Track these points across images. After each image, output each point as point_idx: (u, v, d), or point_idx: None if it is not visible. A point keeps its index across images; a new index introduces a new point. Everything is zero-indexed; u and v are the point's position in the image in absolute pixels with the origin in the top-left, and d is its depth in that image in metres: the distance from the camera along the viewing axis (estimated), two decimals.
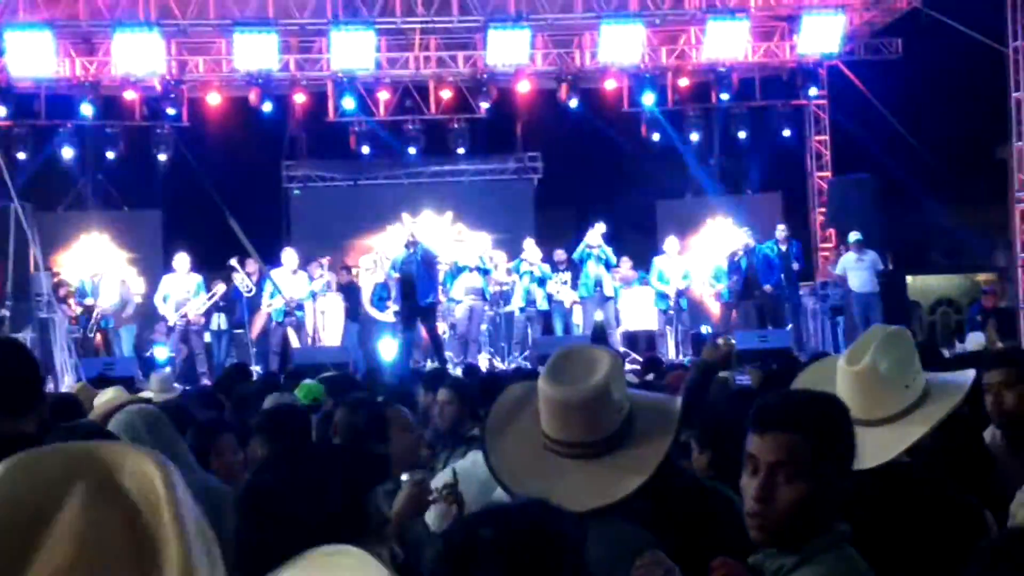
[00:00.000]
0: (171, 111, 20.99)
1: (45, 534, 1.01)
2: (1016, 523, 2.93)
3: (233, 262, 18.41)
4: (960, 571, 2.77)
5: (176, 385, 12.35)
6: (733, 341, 5.86)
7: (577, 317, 19.17)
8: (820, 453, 2.71)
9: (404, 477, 4.19)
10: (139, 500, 1.05)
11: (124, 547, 1.00)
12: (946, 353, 10.41)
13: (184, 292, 18.14)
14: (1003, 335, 17.93)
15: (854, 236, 18.89)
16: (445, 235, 21.70)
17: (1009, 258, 20.91)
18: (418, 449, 5.12)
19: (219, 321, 18.45)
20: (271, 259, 19.23)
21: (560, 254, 19.53)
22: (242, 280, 18.34)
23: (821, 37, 20.91)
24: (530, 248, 19.20)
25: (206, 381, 16.46)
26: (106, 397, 7.17)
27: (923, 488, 3.45)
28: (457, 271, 18.92)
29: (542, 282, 19.00)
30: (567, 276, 19.15)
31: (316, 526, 2.23)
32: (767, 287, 18.67)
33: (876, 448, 3.31)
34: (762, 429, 2.74)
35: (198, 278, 18.41)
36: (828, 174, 22.67)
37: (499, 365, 17.64)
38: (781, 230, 19.26)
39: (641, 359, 17.15)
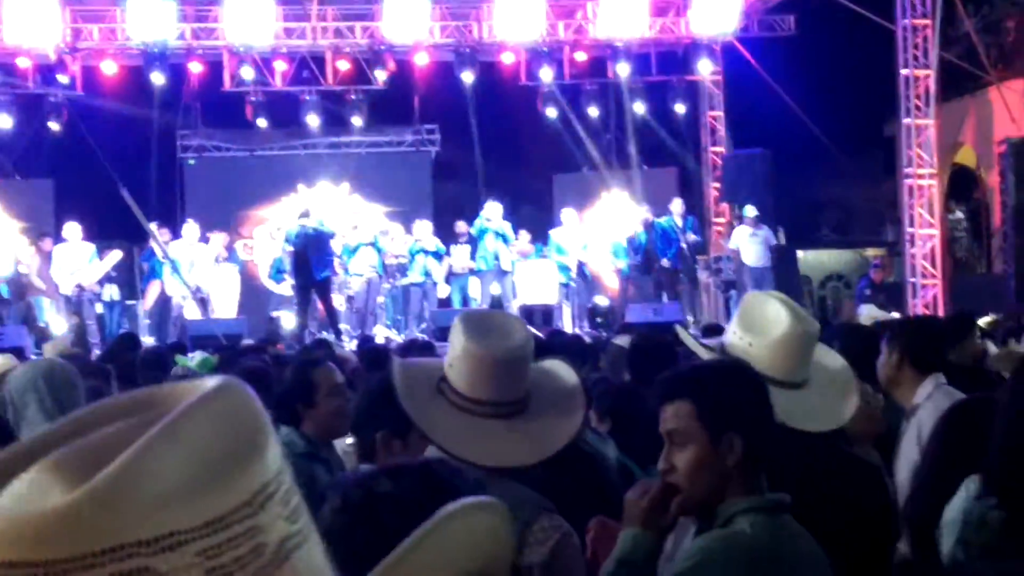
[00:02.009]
0: (65, 79, 20.61)
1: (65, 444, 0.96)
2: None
3: (152, 227, 18.20)
4: (861, 528, 2.87)
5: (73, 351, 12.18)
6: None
7: (474, 290, 19.22)
8: (708, 419, 2.80)
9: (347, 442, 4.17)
10: (162, 410, 0.96)
11: (107, 443, 0.93)
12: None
13: (77, 262, 17.86)
14: (891, 309, 18.33)
15: (750, 211, 19.15)
16: (341, 207, 21.59)
17: (897, 233, 21.40)
18: (344, 414, 5.03)
19: (112, 292, 18.22)
20: (170, 230, 19.04)
21: (461, 226, 19.55)
22: (159, 248, 18.13)
23: (716, 14, 21.13)
24: (422, 230, 19.20)
25: (97, 351, 16.25)
26: None
27: (823, 446, 3.54)
28: (353, 250, 18.83)
29: (438, 256, 19.02)
30: (467, 248, 19.17)
31: None
32: (664, 261, 18.86)
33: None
34: (659, 401, 2.85)
35: (91, 247, 18.13)
36: (722, 149, 22.95)
37: (396, 338, 17.63)
38: (678, 204, 19.45)
39: (540, 334, 17.28)
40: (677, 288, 19.10)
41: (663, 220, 19.14)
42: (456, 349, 3.05)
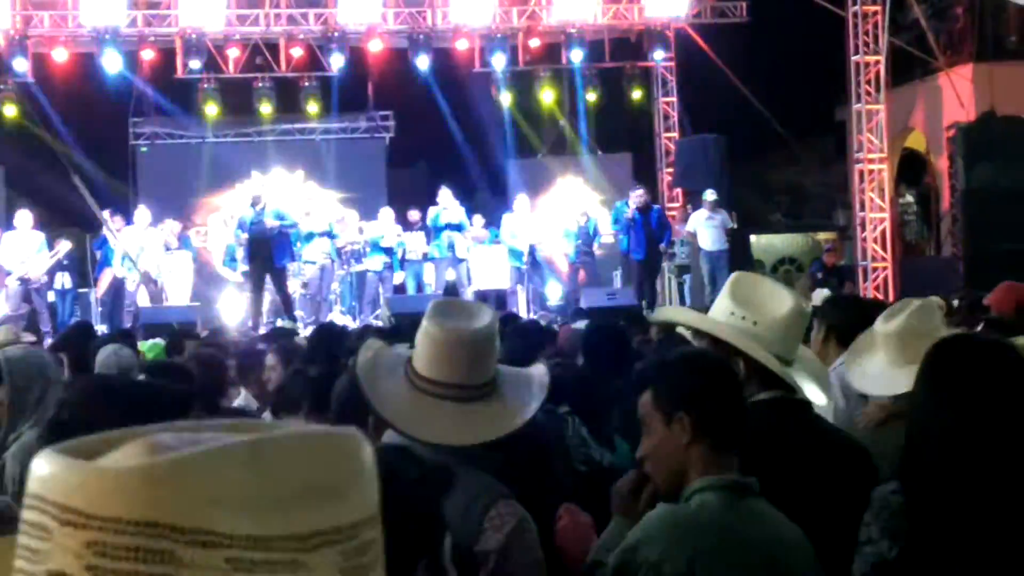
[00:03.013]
0: (16, 66, 20.41)
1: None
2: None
3: (105, 214, 18.09)
4: (848, 510, 2.93)
5: (26, 335, 12.11)
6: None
7: (428, 276, 19.24)
8: (662, 403, 2.89)
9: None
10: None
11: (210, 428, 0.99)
12: None
13: (26, 251, 17.71)
14: (842, 291, 18.50)
15: (710, 195, 19.24)
16: (296, 194, 21.55)
17: (848, 217, 21.60)
18: None
19: (63, 280, 18.11)
20: (122, 217, 18.92)
21: (414, 214, 19.56)
22: (112, 235, 18.02)
23: (669, 0, 21.25)
24: (385, 219, 19.22)
25: (49, 340, 16.15)
26: None
27: (817, 425, 3.60)
28: (308, 237, 18.80)
29: (390, 253, 19.04)
30: (420, 235, 19.18)
31: None
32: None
33: None
34: (638, 393, 2.98)
35: (41, 236, 18.00)
36: (676, 135, 23.05)
37: (352, 324, 17.62)
38: (632, 193, 19.46)
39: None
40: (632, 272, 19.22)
41: (620, 204, 19.23)
42: (420, 331, 3.09)
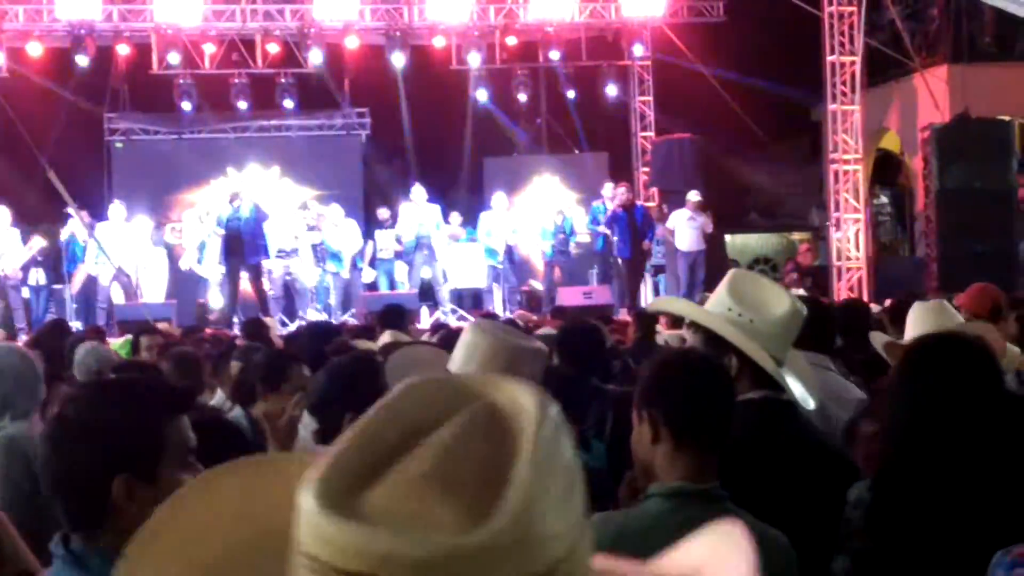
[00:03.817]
0: None
1: (416, 445, 1.00)
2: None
3: (70, 210, 17.98)
4: (825, 514, 2.94)
5: None
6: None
7: (400, 274, 19.21)
8: (637, 402, 2.91)
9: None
10: (509, 426, 1.02)
11: (479, 464, 0.98)
12: None
13: (2, 246, 17.58)
14: (817, 292, 18.57)
15: (694, 196, 19.29)
16: (272, 190, 21.48)
17: (823, 217, 21.66)
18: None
19: (38, 276, 18.01)
20: (92, 215, 18.82)
21: (383, 212, 19.56)
22: (80, 230, 17.91)
23: None
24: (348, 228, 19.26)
25: (24, 337, 16.07)
26: None
27: (803, 427, 3.61)
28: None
29: (337, 258, 19.03)
30: (391, 233, 19.15)
31: (114, 453, 2.32)
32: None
33: None
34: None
35: (16, 232, 17.88)
36: (652, 134, 23.09)
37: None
38: (608, 189, 19.47)
39: (471, 316, 17.37)
40: (608, 272, 19.27)
41: (597, 204, 19.27)
42: (469, 344, 3.09)
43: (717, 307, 3.62)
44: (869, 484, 2.97)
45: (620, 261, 18.84)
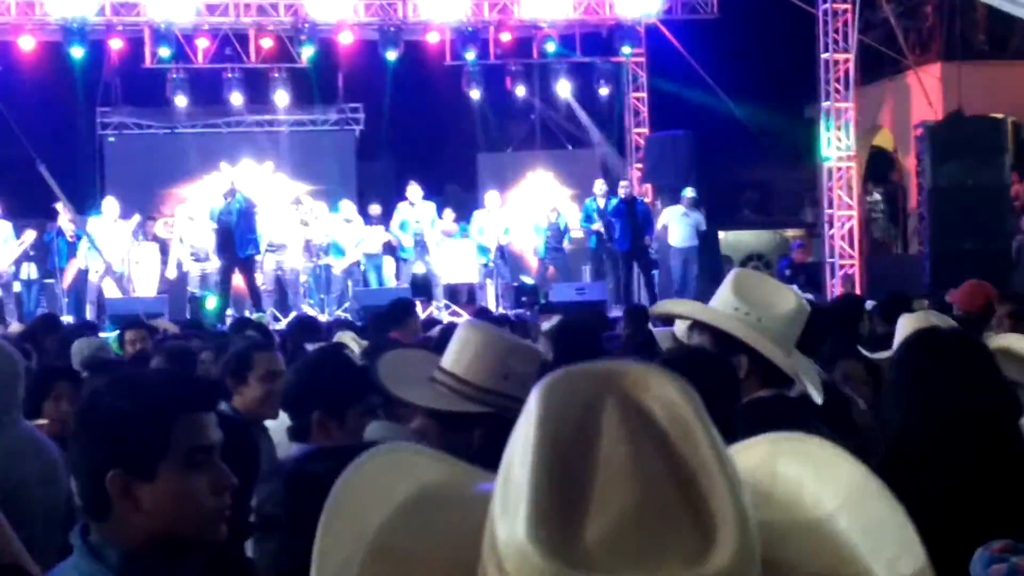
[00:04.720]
0: None
1: (590, 457, 1.00)
2: None
3: (58, 206, 17.92)
4: None
5: None
6: None
7: (388, 269, 19.18)
8: None
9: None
10: (667, 425, 1.02)
11: (673, 483, 0.98)
12: None
13: None
14: (810, 289, 18.60)
15: (690, 192, 19.30)
16: (265, 186, 21.43)
17: (816, 214, 21.69)
18: (272, 403, 5.04)
19: (29, 270, 17.95)
20: (85, 209, 18.78)
21: (375, 208, 19.55)
22: (67, 225, 17.85)
23: None
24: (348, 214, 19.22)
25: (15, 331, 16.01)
26: None
27: (813, 424, 3.61)
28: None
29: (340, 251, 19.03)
30: (380, 229, 19.13)
31: (111, 447, 2.29)
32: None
33: None
34: None
35: (8, 226, 17.83)
36: (645, 130, 23.07)
37: (322, 317, 17.55)
38: (600, 185, 19.51)
39: (464, 312, 17.36)
40: (601, 268, 19.27)
41: (590, 201, 19.28)
42: (462, 337, 3.09)
43: (723, 307, 3.61)
44: None
45: (619, 254, 18.86)
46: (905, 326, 4.71)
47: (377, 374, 3.22)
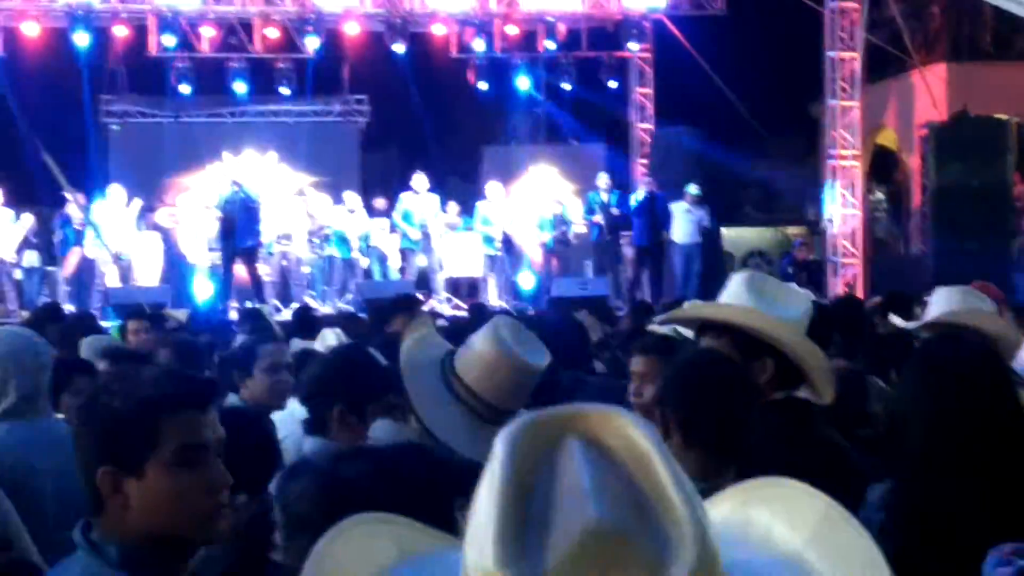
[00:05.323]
0: None
1: (552, 486, 1.07)
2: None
3: (67, 194, 17.91)
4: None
5: None
6: None
7: (393, 261, 19.17)
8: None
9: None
10: (626, 455, 1.08)
11: (629, 502, 1.04)
12: None
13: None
14: (811, 287, 18.59)
15: (694, 189, 19.30)
16: (268, 176, 21.41)
17: (819, 212, 21.68)
18: (279, 392, 5.06)
19: (31, 258, 17.90)
20: (88, 197, 18.74)
21: (380, 202, 19.54)
22: (76, 213, 17.83)
23: None
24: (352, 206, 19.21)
25: (15, 319, 15.99)
26: None
27: (821, 426, 3.60)
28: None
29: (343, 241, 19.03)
30: (386, 221, 19.11)
31: (102, 443, 2.33)
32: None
33: None
34: None
35: (10, 213, 17.79)
36: (650, 126, 23.06)
37: (324, 309, 17.56)
38: (604, 179, 19.51)
39: (464, 305, 17.37)
40: (605, 263, 19.29)
41: (592, 194, 19.29)
42: (487, 352, 3.05)
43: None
44: (891, 485, 2.97)
45: (634, 248, 18.91)
46: (945, 301, 4.65)
47: (401, 380, 3.19)
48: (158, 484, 2.29)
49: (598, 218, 19.01)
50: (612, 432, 1.11)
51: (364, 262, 19.16)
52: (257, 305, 15.95)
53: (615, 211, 19.20)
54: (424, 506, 1.91)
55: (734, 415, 2.93)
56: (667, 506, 1.03)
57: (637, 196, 18.91)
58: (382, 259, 19.17)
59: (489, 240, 19.10)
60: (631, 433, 1.10)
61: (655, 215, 18.72)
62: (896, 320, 5.17)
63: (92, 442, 2.35)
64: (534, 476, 1.07)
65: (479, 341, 3.11)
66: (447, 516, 1.98)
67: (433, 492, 1.99)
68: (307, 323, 9.55)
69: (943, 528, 2.84)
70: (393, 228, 18.94)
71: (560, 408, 1.16)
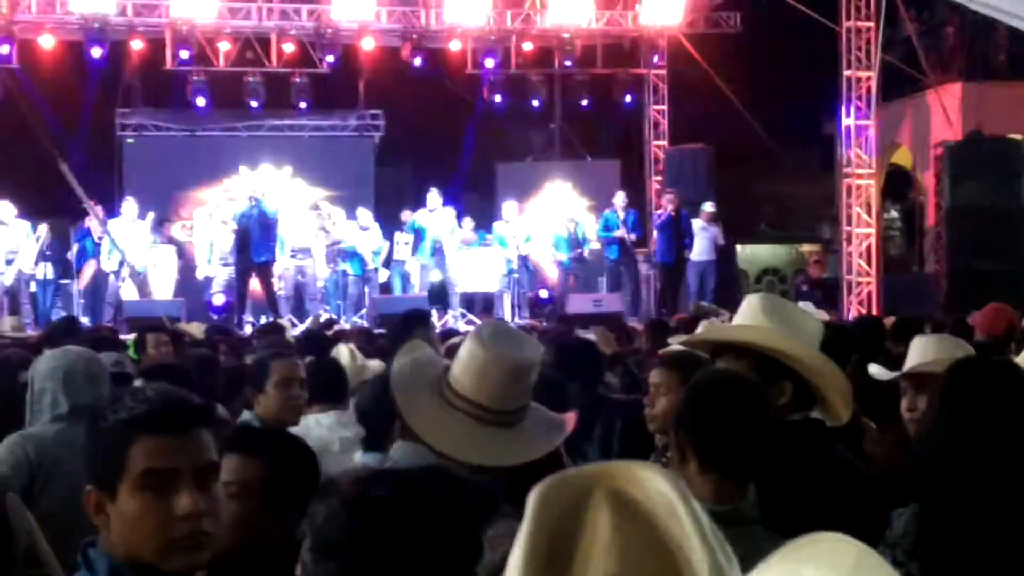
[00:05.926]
0: (1, 52, 20.21)
1: (578, 537, 1.12)
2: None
3: (87, 206, 17.96)
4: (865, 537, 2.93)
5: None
6: None
7: (415, 277, 19.20)
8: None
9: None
10: (652, 506, 1.13)
11: (653, 554, 1.08)
12: None
13: (14, 241, 17.50)
14: (826, 306, 18.58)
15: (709, 207, 19.35)
16: (283, 190, 21.45)
17: (834, 230, 21.67)
18: (292, 408, 5.10)
19: (46, 270, 17.91)
20: (105, 210, 18.82)
21: (407, 214, 19.60)
22: (95, 226, 17.88)
23: (663, 8, 21.29)
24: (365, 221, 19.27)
25: (31, 331, 16.00)
26: None
27: (836, 447, 3.62)
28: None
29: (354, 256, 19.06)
30: (410, 237, 19.12)
31: (88, 465, 2.39)
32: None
33: None
34: None
35: (27, 225, 17.83)
36: (665, 143, 23.06)
37: (341, 324, 17.56)
38: (620, 198, 19.53)
39: (479, 321, 17.37)
40: (619, 280, 19.31)
41: (609, 212, 19.32)
42: (467, 352, 3.06)
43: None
44: (916, 509, 2.97)
45: (658, 265, 18.92)
46: (921, 350, 4.65)
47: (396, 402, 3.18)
48: (126, 507, 2.28)
49: (619, 233, 19.02)
50: (638, 485, 1.15)
51: (383, 275, 19.19)
52: (274, 319, 16.01)
53: (632, 236, 19.22)
54: (450, 529, 1.92)
55: (752, 438, 2.92)
56: (691, 553, 1.06)
57: (663, 213, 18.96)
58: (404, 276, 19.16)
59: (506, 261, 19.11)
60: (656, 486, 1.14)
61: (679, 232, 18.76)
62: (873, 370, 5.14)
63: (83, 461, 2.41)
64: (559, 527, 1.13)
65: (464, 347, 3.11)
66: (473, 539, 1.98)
67: (459, 515, 1.98)
68: (321, 338, 9.54)
69: (973, 552, 2.84)
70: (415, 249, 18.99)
71: (589, 466, 1.21)
